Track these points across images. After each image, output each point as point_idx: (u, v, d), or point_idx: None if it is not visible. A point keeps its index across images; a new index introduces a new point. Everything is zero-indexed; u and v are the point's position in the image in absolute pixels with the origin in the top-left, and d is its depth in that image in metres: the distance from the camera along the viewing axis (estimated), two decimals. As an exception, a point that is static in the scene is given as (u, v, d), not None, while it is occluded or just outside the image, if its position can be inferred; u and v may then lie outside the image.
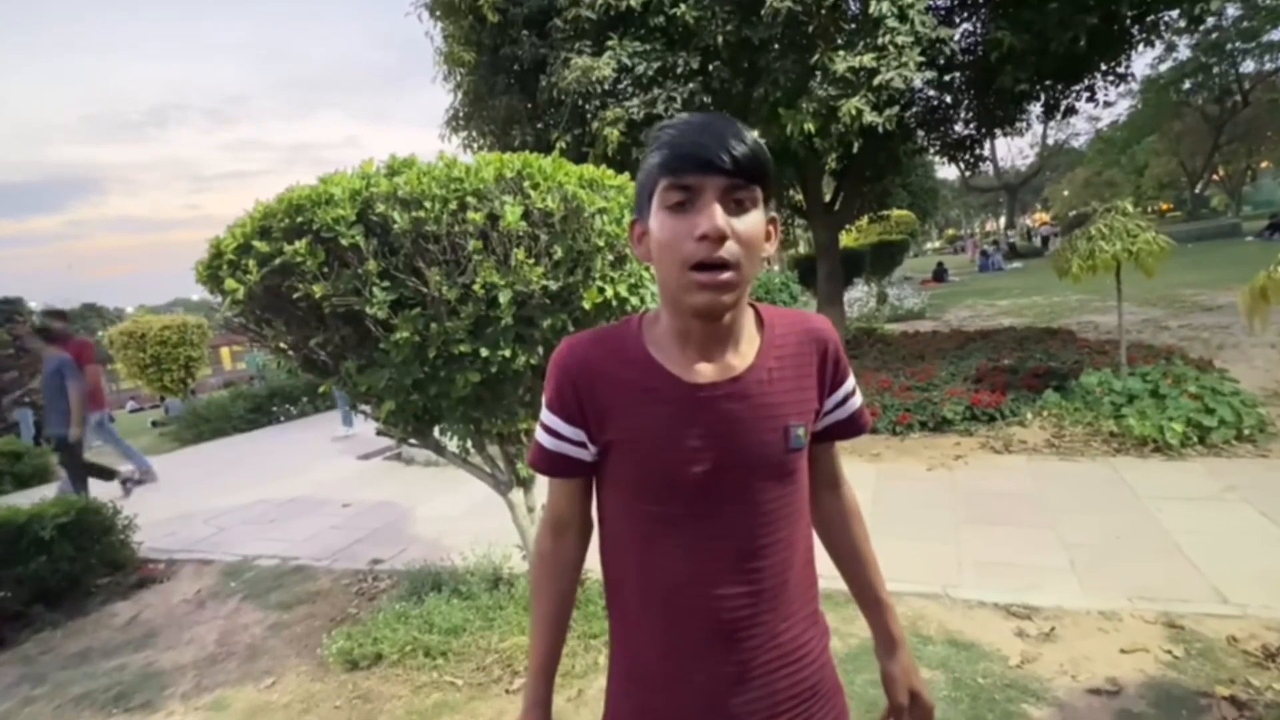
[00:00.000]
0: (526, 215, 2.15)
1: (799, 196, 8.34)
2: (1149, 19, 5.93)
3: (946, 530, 3.40)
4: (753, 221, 0.76)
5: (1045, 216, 47.25)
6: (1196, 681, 2.08)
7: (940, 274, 21.58)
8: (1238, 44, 23.90)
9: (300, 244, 2.05)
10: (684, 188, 0.74)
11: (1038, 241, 31.93)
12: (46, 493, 4.11)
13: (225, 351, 30.20)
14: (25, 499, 4.21)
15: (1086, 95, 7.10)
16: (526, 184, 2.19)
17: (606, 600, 0.94)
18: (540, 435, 0.89)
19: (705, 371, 0.82)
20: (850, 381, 0.94)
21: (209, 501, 5.78)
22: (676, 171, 0.74)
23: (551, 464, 0.89)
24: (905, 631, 1.02)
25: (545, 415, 0.88)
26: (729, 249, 0.73)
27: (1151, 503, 3.39)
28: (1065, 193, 39.77)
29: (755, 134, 0.77)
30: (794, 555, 0.87)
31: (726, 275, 0.74)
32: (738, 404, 0.82)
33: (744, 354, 0.84)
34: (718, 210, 0.73)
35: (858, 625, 2.56)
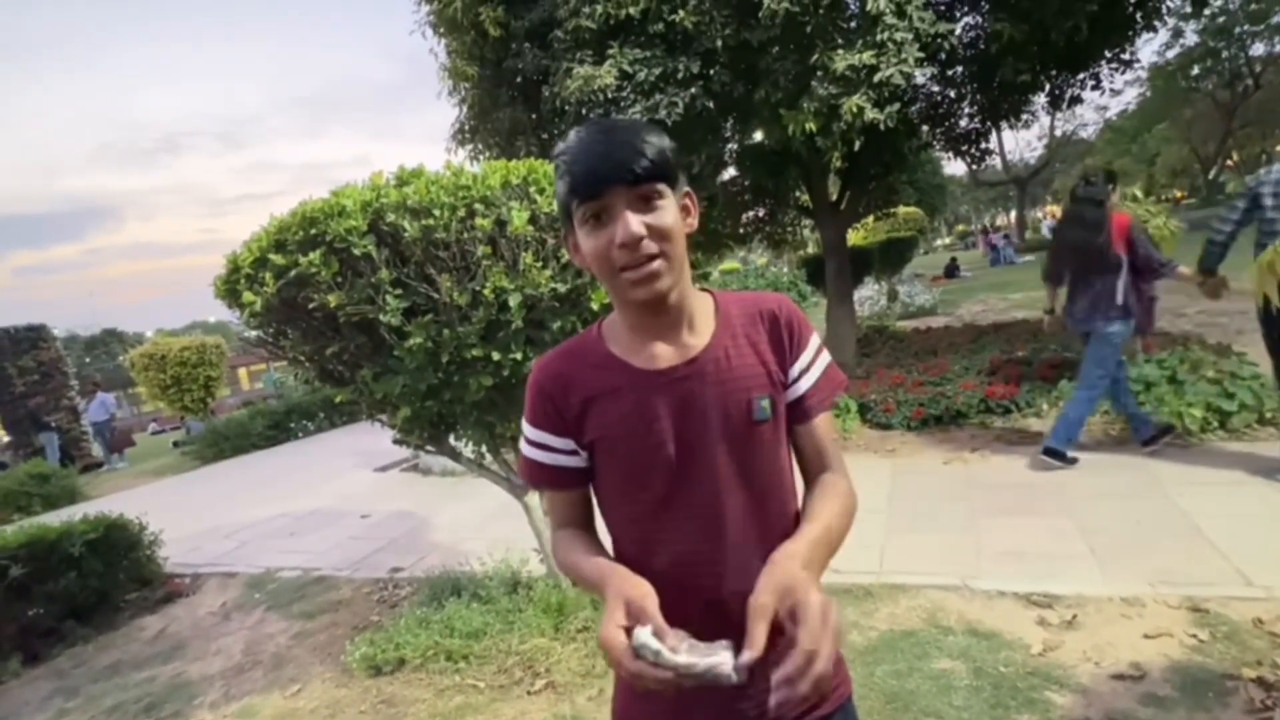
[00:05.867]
0: (533, 220, 2.19)
1: (804, 196, 8.33)
2: (1151, 4, 5.88)
3: (964, 522, 3.38)
4: (665, 214, 0.81)
5: (1056, 210, 46.75)
6: (1222, 664, 2.06)
7: (952, 270, 21.50)
8: (1246, 27, 23.52)
9: (314, 255, 2.10)
10: (595, 207, 0.80)
11: (1045, 231, 31.58)
12: (75, 513, 4.21)
13: (243, 372, 30.60)
14: (55, 519, 4.30)
15: (1092, 84, 7.03)
16: (532, 189, 2.24)
17: None
18: (528, 450, 0.94)
19: (664, 355, 0.87)
20: (813, 344, 0.93)
21: (231, 516, 5.87)
22: (584, 195, 0.80)
23: (543, 475, 0.94)
24: (818, 555, 0.79)
25: (531, 432, 0.93)
26: (647, 247, 0.79)
27: (1172, 488, 3.35)
28: (1075, 184, 39.34)
29: (653, 134, 0.81)
30: (776, 529, 0.88)
31: (653, 266, 0.80)
32: (696, 383, 0.86)
33: (700, 335, 0.89)
34: (630, 219, 0.78)
35: (877, 618, 2.55)
